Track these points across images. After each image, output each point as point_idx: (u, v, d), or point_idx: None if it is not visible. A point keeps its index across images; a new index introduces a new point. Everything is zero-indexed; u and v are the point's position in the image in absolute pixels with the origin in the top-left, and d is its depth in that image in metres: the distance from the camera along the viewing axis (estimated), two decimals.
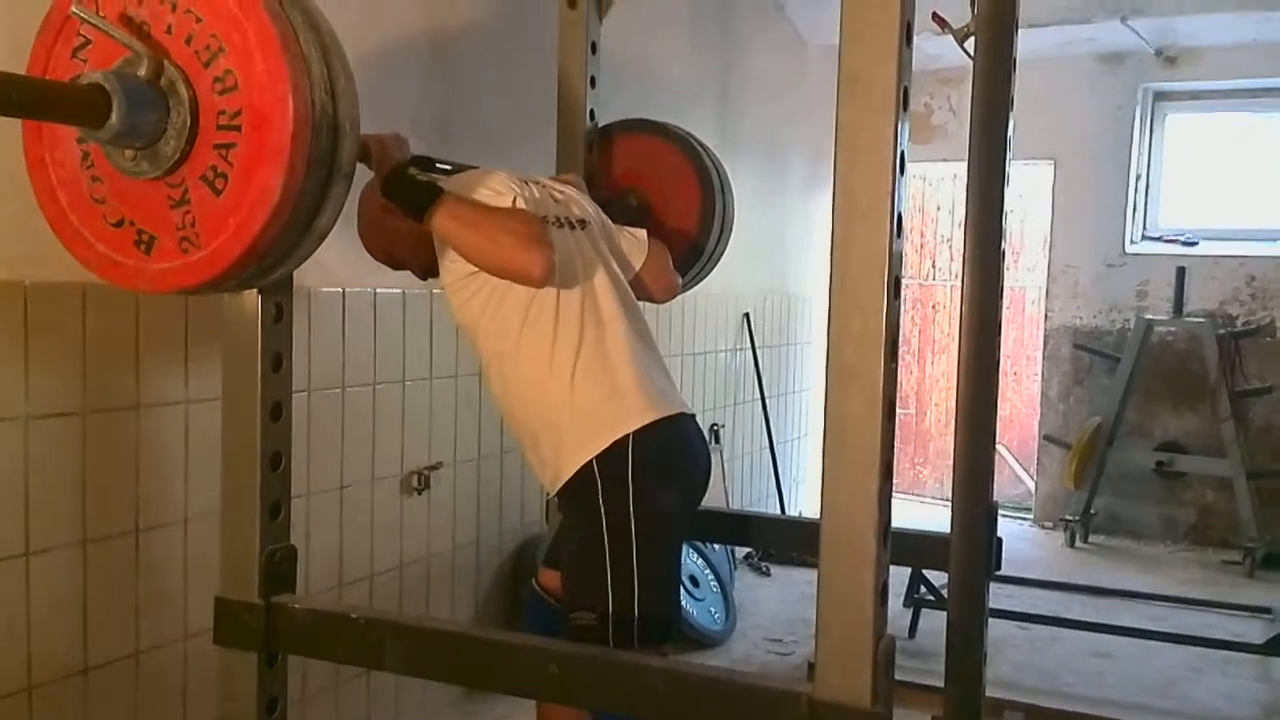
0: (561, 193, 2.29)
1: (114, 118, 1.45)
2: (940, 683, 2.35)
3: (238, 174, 1.48)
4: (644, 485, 2.05)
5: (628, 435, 2.05)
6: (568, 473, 2.08)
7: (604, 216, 2.37)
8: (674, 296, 2.54)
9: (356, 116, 1.56)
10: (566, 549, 2.21)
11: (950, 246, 7.41)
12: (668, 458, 2.13)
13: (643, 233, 2.42)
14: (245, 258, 1.52)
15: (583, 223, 2.25)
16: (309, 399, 2.70)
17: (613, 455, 2.05)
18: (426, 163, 2.10)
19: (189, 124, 1.49)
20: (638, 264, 2.38)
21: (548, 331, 2.08)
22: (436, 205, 1.91)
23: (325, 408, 2.79)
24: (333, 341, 2.82)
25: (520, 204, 2.05)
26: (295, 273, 1.76)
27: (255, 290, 1.76)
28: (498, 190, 2.06)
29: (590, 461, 2.05)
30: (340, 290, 2.83)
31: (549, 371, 2.08)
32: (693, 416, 2.23)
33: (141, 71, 1.48)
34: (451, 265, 2.07)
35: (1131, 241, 6.16)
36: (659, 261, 2.43)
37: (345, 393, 2.87)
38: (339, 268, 2.74)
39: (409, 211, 1.95)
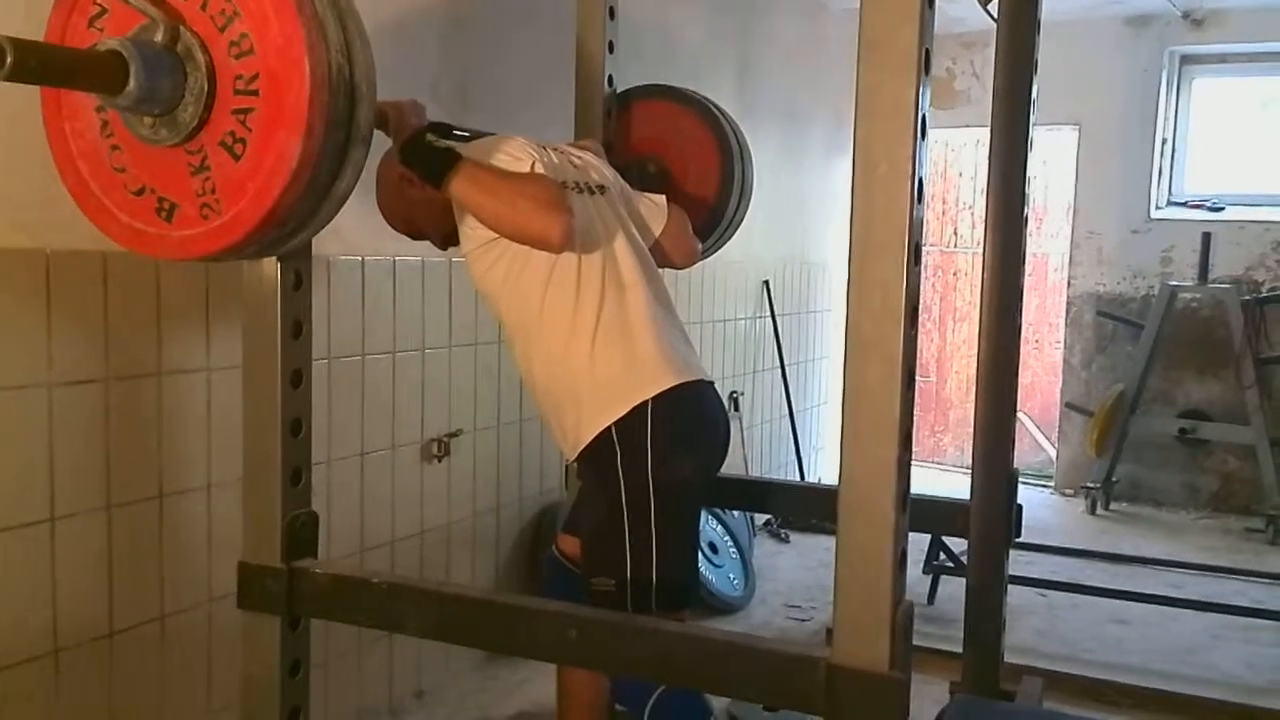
0: (580, 158, 2.28)
1: (132, 83, 1.45)
2: (959, 649, 2.36)
3: (256, 138, 1.48)
4: (662, 452, 2.06)
5: (646, 401, 2.06)
6: (587, 438, 2.08)
7: (623, 182, 2.36)
8: (694, 262, 2.53)
9: (373, 79, 1.55)
10: (586, 515, 2.22)
11: (972, 213, 7.36)
12: (686, 425, 2.13)
13: (662, 198, 2.40)
14: (266, 222, 1.52)
15: (602, 188, 2.24)
16: (329, 366, 2.71)
17: (631, 421, 2.05)
18: (444, 129, 2.10)
19: (206, 89, 1.49)
20: (657, 229, 2.37)
21: (569, 298, 2.07)
22: (455, 171, 1.91)
23: (345, 375, 2.81)
24: (352, 309, 2.83)
25: (539, 169, 2.04)
26: (315, 241, 1.76)
27: (275, 258, 1.76)
28: (515, 156, 2.05)
29: (609, 427, 2.06)
30: (359, 258, 2.83)
31: (570, 337, 2.08)
32: (712, 383, 2.23)
33: (158, 37, 1.48)
34: (471, 232, 2.07)
35: (1156, 207, 6.10)
36: (679, 227, 2.42)
37: (365, 360, 2.88)
38: (358, 236, 2.74)
39: (427, 178, 1.94)
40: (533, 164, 2.05)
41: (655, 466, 2.05)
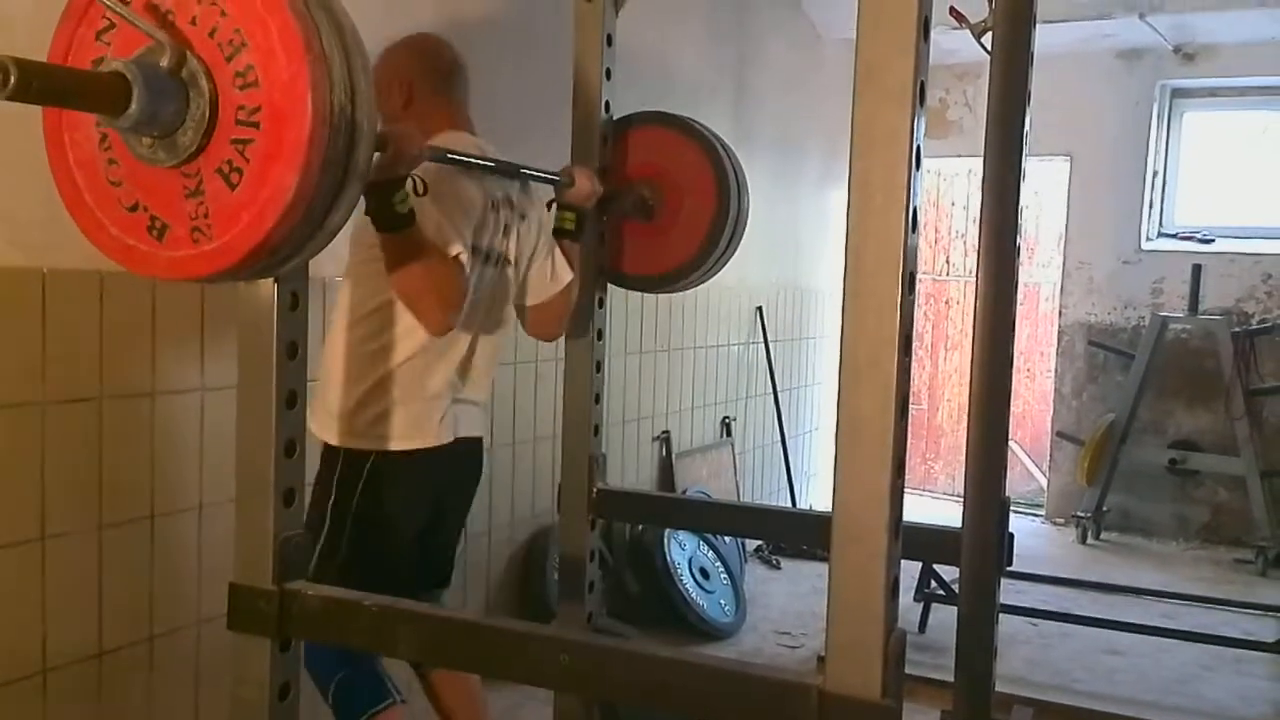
0: (525, 216, 2.36)
1: (134, 107, 1.45)
2: (950, 677, 2.36)
3: (253, 170, 1.48)
4: (363, 509, 2.17)
5: (371, 452, 2.17)
6: (324, 438, 2.21)
7: (548, 240, 2.41)
8: (550, 341, 2.57)
9: (375, 117, 1.55)
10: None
11: (965, 242, 7.39)
12: (390, 501, 2.21)
13: (568, 273, 2.41)
14: (256, 252, 1.52)
15: (509, 261, 2.32)
16: None
17: (355, 459, 2.17)
18: (441, 154, 2.10)
19: (208, 117, 1.49)
20: (534, 300, 2.42)
21: (390, 332, 2.18)
22: (395, 232, 1.97)
23: None
24: None
25: (465, 252, 2.07)
26: (311, 262, 1.76)
27: (271, 279, 1.76)
28: (465, 207, 2.14)
29: (342, 449, 2.18)
30: None
31: (374, 355, 2.18)
32: (479, 440, 2.36)
33: (164, 61, 1.48)
34: (368, 253, 2.12)
35: (1147, 239, 6.14)
36: (556, 309, 2.44)
37: None
38: None
39: (376, 223, 1.97)
40: (475, 225, 2.16)
41: (358, 511, 2.18)
